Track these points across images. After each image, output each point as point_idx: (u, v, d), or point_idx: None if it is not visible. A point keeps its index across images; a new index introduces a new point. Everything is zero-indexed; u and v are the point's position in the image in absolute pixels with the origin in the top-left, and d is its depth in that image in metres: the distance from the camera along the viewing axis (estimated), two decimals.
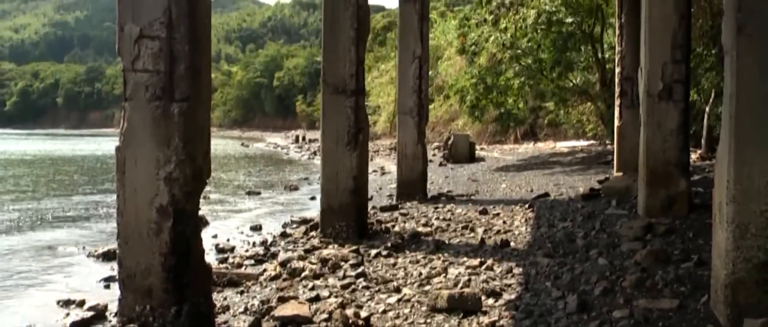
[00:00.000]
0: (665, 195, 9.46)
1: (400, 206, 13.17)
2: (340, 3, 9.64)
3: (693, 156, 15.60)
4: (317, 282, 7.32)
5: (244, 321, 5.99)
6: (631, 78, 14.07)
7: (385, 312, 6.11)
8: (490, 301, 6.21)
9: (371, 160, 27.19)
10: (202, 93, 5.51)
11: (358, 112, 9.74)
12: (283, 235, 10.96)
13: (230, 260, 9.08)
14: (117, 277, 5.63)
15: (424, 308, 6.11)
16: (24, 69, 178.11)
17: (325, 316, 5.96)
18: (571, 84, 24.00)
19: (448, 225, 10.60)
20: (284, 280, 7.53)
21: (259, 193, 19.44)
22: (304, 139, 60.64)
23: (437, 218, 11.37)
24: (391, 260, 8.25)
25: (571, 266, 7.20)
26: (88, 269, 9.41)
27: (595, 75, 23.48)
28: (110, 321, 6.63)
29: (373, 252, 8.63)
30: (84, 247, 10.96)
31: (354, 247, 8.92)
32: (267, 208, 16.42)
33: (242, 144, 61.60)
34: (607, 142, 23.37)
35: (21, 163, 36.24)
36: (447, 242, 9.23)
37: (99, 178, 25.84)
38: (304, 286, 7.16)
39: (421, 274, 7.42)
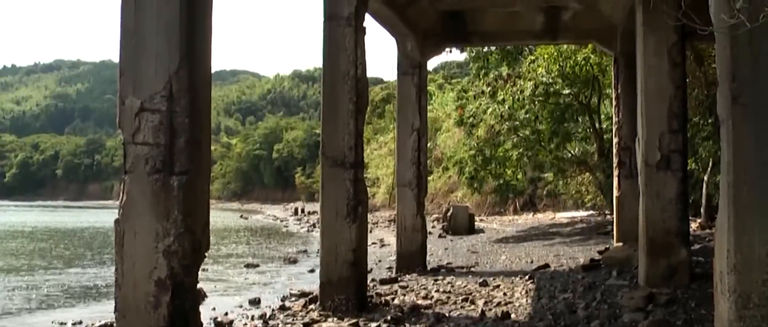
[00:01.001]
0: (666, 265, 9.42)
1: (399, 279, 13.06)
2: (338, 76, 9.72)
3: (693, 225, 15.57)
4: None
5: None
6: (629, 148, 14.13)
7: None
8: None
9: (370, 232, 27.04)
10: (202, 166, 5.53)
11: (357, 185, 9.73)
12: (282, 308, 10.85)
13: None
14: None
15: None
16: (24, 141, 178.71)
17: None
18: (570, 154, 24.10)
19: (448, 297, 10.51)
20: None
21: (257, 266, 19.32)
22: (303, 211, 60.45)
23: (437, 291, 11.28)
24: None
25: None
26: None
27: (593, 145, 23.59)
28: None
29: (373, 325, 8.55)
30: (81, 322, 10.85)
31: (353, 321, 8.84)
32: (266, 281, 16.31)
33: (241, 216, 61.44)
34: (606, 212, 23.34)
35: (21, 235, 36.14)
36: (447, 315, 9.14)
37: (98, 250, 25.72)
38: None
39: None
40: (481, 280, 11.97)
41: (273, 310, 10.85)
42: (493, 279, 12.23)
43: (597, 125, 22.52)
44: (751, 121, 4.87)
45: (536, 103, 21.86)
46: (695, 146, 17.01)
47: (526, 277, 12.07)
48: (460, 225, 24.11)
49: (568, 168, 24.72)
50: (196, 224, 5.45)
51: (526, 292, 10.64)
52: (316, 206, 44.02)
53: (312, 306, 10.31)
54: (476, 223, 25.54)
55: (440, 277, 12.94)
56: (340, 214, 9.68)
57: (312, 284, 13.95)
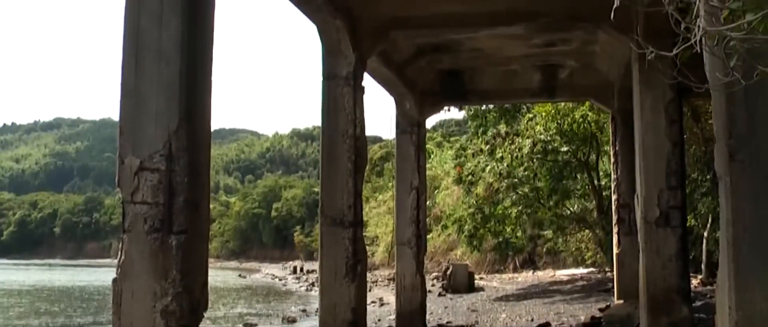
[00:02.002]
0: (667, 322, 9.34)
1: None
2: (337, 135, 9.75)
3: (694, 281, 15.49)
4: None
5: None
6: (627, 205, 14.12)
7: None
8: None
9: (369, 290, 26.88)
10: (201, 225, 5.52)
11: (356, 244, 9.69)
12: None
13: None
14: None
15: None
16: (23, 199, 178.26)
17: None
18: (569, 212, 24.10)
19: None
20: None
21: (256, 326, 19.15)
22: (301, 269, 60.00)
23: None
24: None
25: None
26: None
27: (592, 202, 23.59)
28: None
29: None
30: None
31: None
32: None
33: (240, 275, 61.05)
34: (606, 269, 23.22)
35: (19, 293, 35.88)
36: None
37: (95, 310, 25.50)
38: None
39: None
40: None
41: None
42: None
43: (596, 182, 22.55)
44: (749, 177, 4.87)
45: (535, 160, 21.93)
46: (694, 202, 17.01)
47: None
48: (460, 283, 23.94)
49: (567, 225, 24.69)
50: (194, 284, 5.41)
51: None
52: (314, 264, 43.80)
53: None
54: (476, 281, 25.38)
55: None
56: (339, 273, 9.62)
57: None
